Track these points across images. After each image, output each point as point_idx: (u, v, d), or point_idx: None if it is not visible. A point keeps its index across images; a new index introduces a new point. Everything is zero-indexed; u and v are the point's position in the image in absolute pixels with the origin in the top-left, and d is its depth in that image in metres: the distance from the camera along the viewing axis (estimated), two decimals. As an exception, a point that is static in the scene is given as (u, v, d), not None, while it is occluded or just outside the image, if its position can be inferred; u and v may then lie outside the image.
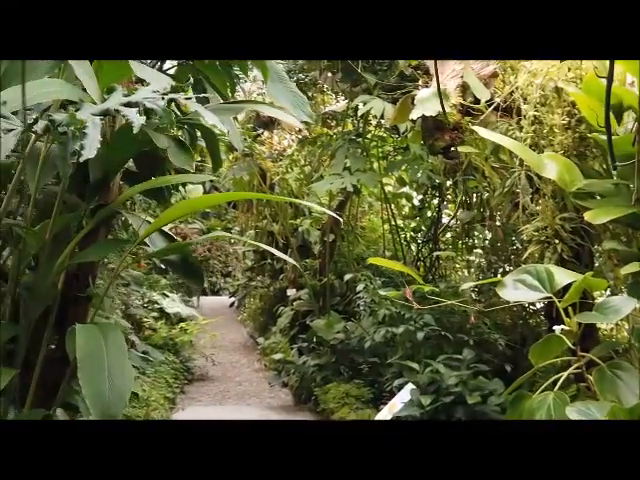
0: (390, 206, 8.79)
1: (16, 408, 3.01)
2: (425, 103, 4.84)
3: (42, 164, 2.82)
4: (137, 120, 2.11)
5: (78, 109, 2.22)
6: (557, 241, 4.15)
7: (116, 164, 3.19)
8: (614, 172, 3.81)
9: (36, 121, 2.09)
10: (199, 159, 5.43)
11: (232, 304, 16.03)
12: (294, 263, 4.04)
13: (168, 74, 3.72)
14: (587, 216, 3.52)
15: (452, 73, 5.15)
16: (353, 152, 7.31)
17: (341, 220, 6.03)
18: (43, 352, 3.06)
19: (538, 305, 6.20)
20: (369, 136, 8.28)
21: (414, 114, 4.90)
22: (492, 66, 5.02)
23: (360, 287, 7.31)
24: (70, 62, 2.53)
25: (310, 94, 8.75)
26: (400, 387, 5.71)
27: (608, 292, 4.44)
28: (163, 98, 2.24)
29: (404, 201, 9.52)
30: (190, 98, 2.32)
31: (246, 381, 9.68)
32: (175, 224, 8.56)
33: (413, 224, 9.24)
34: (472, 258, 7.69)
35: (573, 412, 2.69)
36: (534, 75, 4.41)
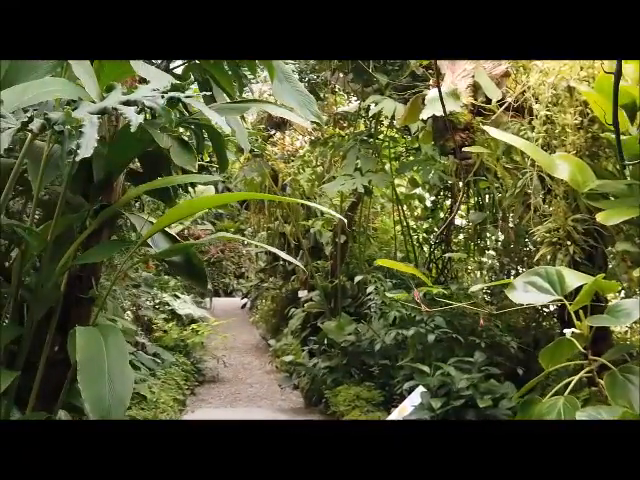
0: (402, 207, 8.73)
1: (19, 410, 2.98)
2: (435, 103, 4.78)
3: (45, 164, 2.80)
4: (135, 118, 2.07)
5: (76, 107, 2.18)
6: (569, 243, 4.08)
7: (119, 164, 3.15)
8: (627, 172, 3.74)
9: (31, 119, 2.06)
10: (207, 159, 5.41)
11: (244, 305, 16.01)
12: (298, 264, 3.98)
13: (174, 73, 3.70)
14: (599, 217, 3.46)
15: (463, 72, 5.09)
16: (364, 153, 7.27)
17: (345, 221, 5.98)
18: (46, 354, 3.03)
19: (551, 307, 6.12)
20: (381, 137, 8.22)
21: (424, 114, 4.85)
22: (504, 65, 4.95)
23: (370, 289, 7.25)
24: (70, 61, 2.50)
25: (322, 95, 8.71)
26: (411, 390, 5.65)
27: (622, 294, 4.38)
28: (163, 96, 2.20)
29: (417, 202, 9.46)
30: (192, 97, 2.27)
31: (257, 383, 9.64)
32: (185, 225, 8.53)
33: (425, 225, 9.18)
34: (484, 260, 7.61)
35: (583, 417, 2.64)
36: (546, 74, 4.34)
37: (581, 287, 3.12)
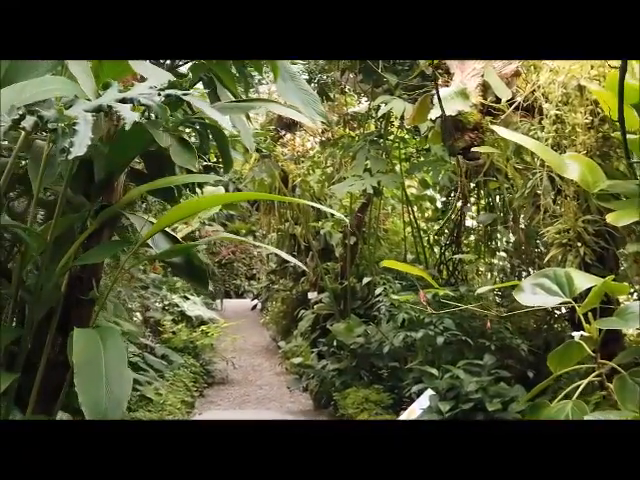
0: (412, 208, 8.67)
1: (19, 412, 2.95)
2: (444, 102, 4.73)
3: (45, 163, 2.77)
4: (130, 116, 2.03)
5: (70, 105, 2.14)
6: (580, 244, 4.01)
7: (120, 163, 3.12)
8: (639, 173, 3.68)
9: (23, 117, 2.03)
10: (215, 160, 5.37)
11: (254, 307, 15.97)
12: (300, 265, 3.93)
13: (178, 72, 3.66)
14: (609, 218, 3.40)
15: (473, 72, 5.03)
16: (374, 154, 7.22)
17: (347, 221, 5.94)
18: (46, 355, 3.00)
19: (563, 309, 6.05)
20: (391, 137, 8.17)
21: (433, 114, 4.79)
22: (514, 64, 4.88)
23: (378, 291, 7.19)
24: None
25: (332, 95, 8.67)
26: (419, 393, 5.60)
27: (635, 296, 4.31)
28: (160, 94, 2.16)
29: (428, 204, 9.40)
30: (188, 93, 2.23)
31: (267, 385, 9.60)
32: (194, 227, 8.49)
33: (436, 227, 9.11)
34: (495, 261, 7.54)
35: (591, 422, 2.57)
36: (556, 73, 4.28)
37: (591, 289, 3.06)
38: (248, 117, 4.03)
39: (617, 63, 3.47)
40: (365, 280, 8.04)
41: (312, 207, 10.25)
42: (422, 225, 9.10)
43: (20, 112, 2.02)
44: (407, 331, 6.35)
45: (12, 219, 3.43)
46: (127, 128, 2.01)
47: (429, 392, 5.42)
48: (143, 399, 6.55)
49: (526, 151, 4.59)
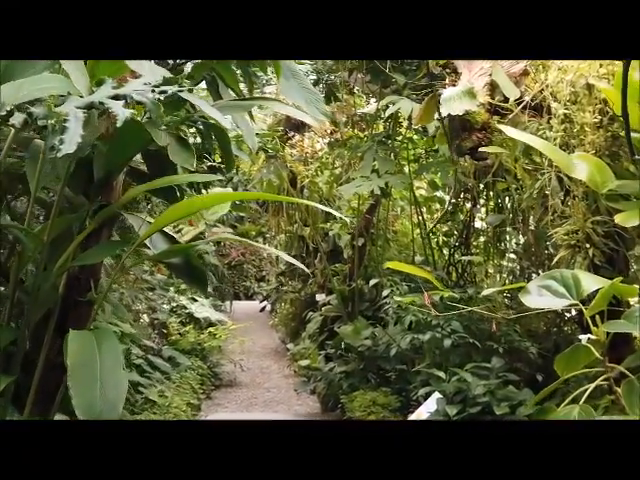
0: (420, 210, 8.60)
1: (16, 413, 2.92)
2: (451, 102, 4.67)
3: (42, 162, 2.73)
4: (122, 113, 1.99)
5: (62, 102, 2.10)
6: (588, 245, 3.94)
7: (119, 162, 3.07)
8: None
9: (11, 113, 1.99)
10: (219, 160, 5.32)
11: (263, 309, 15.92)
12: (304, 268, 3.88)
13: (180, 70, 3.62)
14: (618, 218, 3.35)
15: (480, 71, 4.97)
16: (382, 154, 7.15)
17: (348, 221, 5.89)
18: (43, 356, 2.96)
19: (573, 312, 5.97)
20: (399, 138, 8.11)
21: (440, 113, 4.74)
22: (522, 63, 4.82)
23: (386, 293, 7.13)
24: (61, 59, 2.44)
25: (340, 96, 8.61)
26: (427, 396, 5.53)
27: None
28: (154, 91, 2.12)
29: (437, 205, 9.32)
30: (183, 90, 2.18)
31: (275, 387, 9.56)
32: (201, 229, 8.45)
33: (445, 228, 9.02)
34: (505, 263, 7.46)
35: (598, 427, 2.50)
36: (564, 71, 4.22)
37: (598, 291, 3.00)
38: (251, 116, 3.98)
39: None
40: (372, 282, 7.97)
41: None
42: (430, 226, 9.02)
43: (8, 108, 1.98)
44: (414, 333, 6.28)
45: (14, 219, 3.41)
46: (119, 125, 1.96)
47: (436, 395, 5.36)
48: (148, 401, 6.52)
49: (535, 151, 4.52)
